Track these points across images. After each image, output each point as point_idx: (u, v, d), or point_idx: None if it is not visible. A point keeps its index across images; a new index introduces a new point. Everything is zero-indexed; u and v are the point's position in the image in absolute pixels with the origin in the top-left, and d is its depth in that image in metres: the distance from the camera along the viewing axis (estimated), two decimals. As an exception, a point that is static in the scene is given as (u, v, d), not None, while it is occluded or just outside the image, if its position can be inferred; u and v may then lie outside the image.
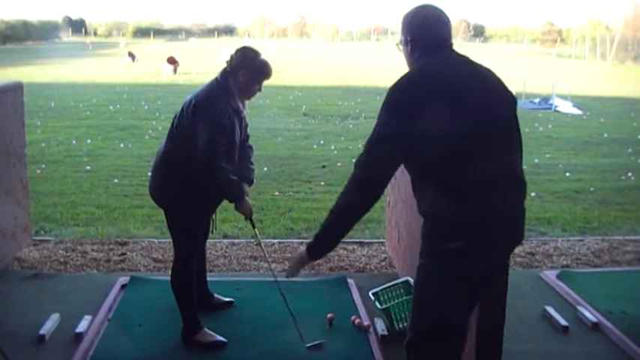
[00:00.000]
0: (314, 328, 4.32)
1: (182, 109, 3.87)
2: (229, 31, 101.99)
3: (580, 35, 61.18)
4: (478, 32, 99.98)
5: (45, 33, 70.14)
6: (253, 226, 4.23)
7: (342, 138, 12.99)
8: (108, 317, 4.42)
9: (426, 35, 2.81)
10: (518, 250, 6.02)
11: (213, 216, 4.28)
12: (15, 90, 5.66)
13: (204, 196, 3.94)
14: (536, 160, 10.67)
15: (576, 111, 18.22)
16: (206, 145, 3.72)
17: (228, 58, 3.97)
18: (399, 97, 2.70)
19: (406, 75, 2.79)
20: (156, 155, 4.03)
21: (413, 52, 2.85)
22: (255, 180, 4.24)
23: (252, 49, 4.03)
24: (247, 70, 3.90)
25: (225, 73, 3.93)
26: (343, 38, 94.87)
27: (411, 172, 2.84)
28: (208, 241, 5.66)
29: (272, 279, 4.58)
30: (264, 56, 3.99)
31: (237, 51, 3.99)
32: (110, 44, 60.56)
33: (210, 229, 4.34)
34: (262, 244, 4.62)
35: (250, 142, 4.26)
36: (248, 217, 4.11)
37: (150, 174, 4.10)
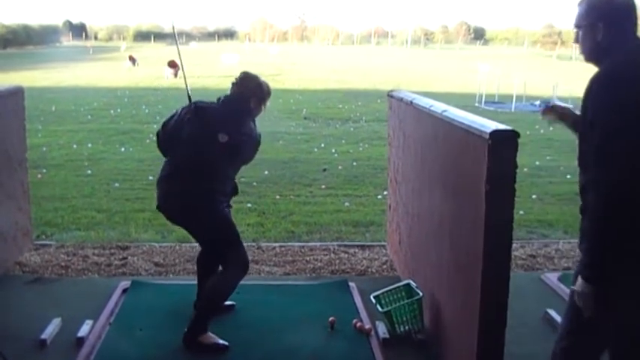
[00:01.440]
0: (315, 331, 4.33)
1: (202, 129, 4.12)
2: (230, 34, 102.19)
3: (580, 37, 61.09)
4: (478, 35, 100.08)
5: (46, 37, 70.23)
6: None
7: (343, 141, 12.99)
8: (109, 321, 4.42)
9: (624, 24, 2.67)
10: (519, 252, 6.03)
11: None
12: (16, 94, 5.66)
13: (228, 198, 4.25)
14: (537, 163, 10.67)
15: (577, 113, 18.19)
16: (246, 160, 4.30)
17: (232, 86, 4.29)
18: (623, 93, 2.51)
19: (615, 70, 2.61)
20: (175, 172, 4.14)
21: (602, 40, 2.68)
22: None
23: (252, 76, 4.35)
24: (257, 97, 4.27)
25: (241, 99, 4.23)
26: (344, 41, 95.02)
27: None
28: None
29: (273, 282, 4.57)
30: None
31: (242, 80, 4.31)
32: (111, 48, 60.67)
33: None
34: None
35: None
36: None
37: (166, 196, 4.13)
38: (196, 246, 4.94)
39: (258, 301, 4.82)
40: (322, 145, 12.45)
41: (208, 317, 4.09)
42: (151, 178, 4.20)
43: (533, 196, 8.34)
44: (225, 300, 4.21)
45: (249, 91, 4.25)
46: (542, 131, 14.50)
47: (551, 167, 10.55)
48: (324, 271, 5.57)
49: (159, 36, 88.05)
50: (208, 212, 4.02)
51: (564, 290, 5.05)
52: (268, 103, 4.39)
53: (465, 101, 17.94)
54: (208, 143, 4.04)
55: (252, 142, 4.24)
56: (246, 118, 4.21)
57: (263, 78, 4.37)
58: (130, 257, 5.82)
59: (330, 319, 4.40)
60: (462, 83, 26.14)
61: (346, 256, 5.92)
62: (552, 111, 3.13)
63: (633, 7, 2.71)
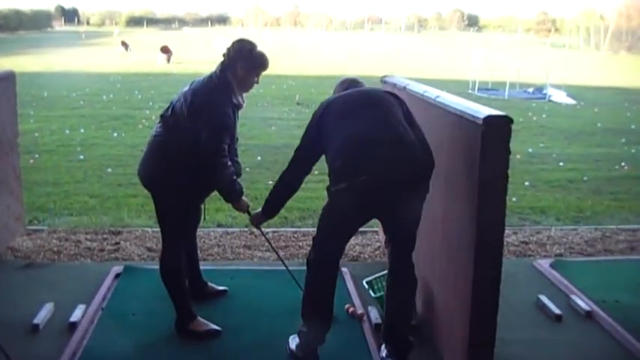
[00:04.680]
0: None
1: (180, 101, 3.86)
2: (223, 20, 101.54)
3: (574, 25, 61.15)
4: (472, 22, 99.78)
5: (37, 22, 69.52)
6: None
7: (336, 127, 12.94)
8: (102, 306, 4.42)
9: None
10: (511, 239, 6.05)
11: (203, 204, 4.28)
12: (7, 79, 5.63)
13: (199, 187, 3.97)
14: (530, 150, 10.68)
15: (570, 101, 18.23)
16: (213, 146, 3.76)
17: (225, 51, 3.96)
18: None
19: None
20: (149, 143, 4.01)
21: None
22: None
23: (248, 41, 4.01)
24: (244, 62, 3.90)
25: (223, 68, 3.91)
26: (337, 28, 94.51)
27: None
28: (202, 230, 5.70)
29: (266, 267, 4.60)
30: (259, 47, 3.99)
31: (234, 43, 3.98)
32: (103, 33, 60.27)
33: (201, 217, 4.34)
34: (265, 234, 4.90)
35: (240, 131, 4.25)
36: (245, 212, 4.21)
37: (141, 160, 4.07)
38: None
39: (251, 286, 4.84)
40: (315, 131, 12.40)
41: (181, 301, 4.07)
42: (140, 159, 4.16)
43: (526, 183, 8.35)
44: (178, 281, 4.08)
45: (238, 55, 3.89)
46: (535, 118, 14.55)
47: (544, 154, 10.58)
48: (317, 257, 5.56)
49: (151, 21, 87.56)
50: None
51: (556, 277, 5.08)
52: (260, 75, 4.01)
53: (458, 88, 17.93)
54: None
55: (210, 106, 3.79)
56: (220, 84, 3.86)
57: (260, 48, 4.02)
58: (122, 242, 5.82)
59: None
60: (455, 70, 26.10)
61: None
62: None
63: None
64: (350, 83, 4.04)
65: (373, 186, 3.37)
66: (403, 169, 3.41)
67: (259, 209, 4.16)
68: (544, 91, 19.10)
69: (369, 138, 3.47)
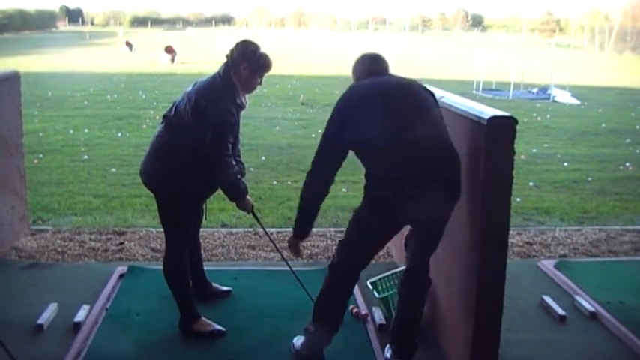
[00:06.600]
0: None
1: (183, 101, 3.87)
2: (227, 20, 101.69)
3: (579, 25, 61.14)
4: (476, 22, 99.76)
5: (42, 22, 69.63)
6: (257, 219, 4.35)
7: (340, 127, 12.93)
8: (106, 307, 4.43)
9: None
10: (516, 239, 6.04)
11: (205, 205, 4.28)
12: (12, 79, 5.64)
13: (201, 187, 3.97)
14: (534, 150, 10.67)
15: (574, 101, 18.20)
16: (217, 146, 3.76)
17: (228, 52, 3.96)
18: None
19: None
20: (152, 143, 4.01)
21: None
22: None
23: (252, 42, 4.01)
24: (248, 63, 3.90)
25: (226, 68, 3.91)
26: (341, 28, 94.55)
27: None
28: (206, 230, 5.71)
29: (270, 268, 4.60)
30: (262, 48, 3.99)
31: (237, 45, 3.98)
32: (107, 34, 60.35)
33: (202, 217, 4.34)
34: (269, 234, 4.84)
35: (244, 131, 4.25)
36: (249, 212, 4.18)
37: (143, 159, 4.06)
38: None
39: (255, 287, 4.83)
40: (319, 131, 12.27)
41: (185, 301, 4.07)
42: (143, 159, 4.15)
43: (530, 184, 8.35)
44: (181, 282, 4.08)
45: (241, 56, 3.88)
46: (539, 119, 14.54)
47: (548, 155, 10.56)
48: (321, 257, 5.58)
49: (155, 21, 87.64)
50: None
51: (560, 277, 5.08)
52: (264, 77, 4.02)
53: (462, 88, 17.92)
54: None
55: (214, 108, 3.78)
56: (223, 84, 3.87)
57: (264, 49, 4.01)
58: (126, 242, 5.82)
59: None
60: (459, 70, 26.09)
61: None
62: None
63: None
64: (371, 62, 3.98)
65: (419, 197, 3.23)
66: (449, 179, 3.31)
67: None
68: (548, 92, 19.07)
69: (417, 144, 3.26)
